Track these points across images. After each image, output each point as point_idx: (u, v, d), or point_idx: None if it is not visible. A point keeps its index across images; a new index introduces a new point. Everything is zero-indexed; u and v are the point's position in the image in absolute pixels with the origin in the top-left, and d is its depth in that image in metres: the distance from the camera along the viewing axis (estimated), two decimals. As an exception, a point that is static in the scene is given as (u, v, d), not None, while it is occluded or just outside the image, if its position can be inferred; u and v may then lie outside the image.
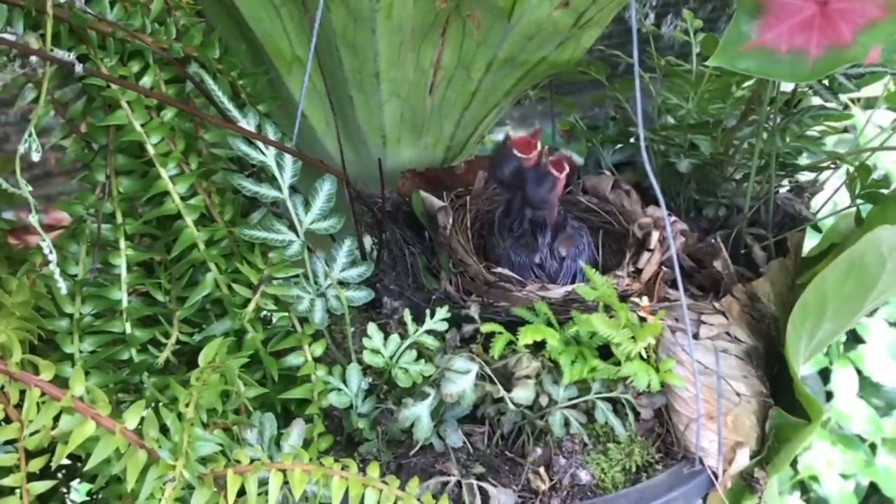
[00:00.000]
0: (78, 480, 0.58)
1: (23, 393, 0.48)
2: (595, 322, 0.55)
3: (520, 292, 0.64)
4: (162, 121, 0.58)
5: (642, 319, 0.56)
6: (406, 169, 0.77)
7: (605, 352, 0.58)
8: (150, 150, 0.57)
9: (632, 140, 0.82)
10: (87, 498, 0.58)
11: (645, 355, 0.57)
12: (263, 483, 0.49)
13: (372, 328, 0.59)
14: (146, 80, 0.59)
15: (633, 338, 0.55)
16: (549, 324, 0.59)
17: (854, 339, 1.64)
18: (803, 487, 1.59)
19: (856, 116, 1.27)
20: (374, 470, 0.51)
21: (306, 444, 0.56)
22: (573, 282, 0.69)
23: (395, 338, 0.59)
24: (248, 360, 0.57)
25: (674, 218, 0.70)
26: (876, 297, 0.62)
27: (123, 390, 0.57)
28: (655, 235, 0.67)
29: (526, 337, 0.56)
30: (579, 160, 0.86)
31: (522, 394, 0.55)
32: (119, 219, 0.58)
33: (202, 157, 0.60)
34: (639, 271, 0.67)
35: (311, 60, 0.59)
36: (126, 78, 0.57)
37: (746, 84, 0.76)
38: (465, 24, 0.69)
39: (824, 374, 1.65)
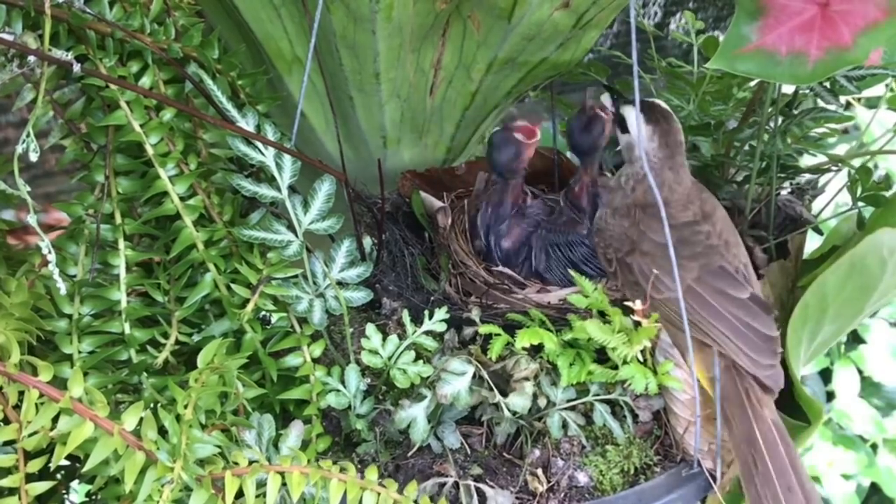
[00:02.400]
0: (77, 481, 0.58)
1: (21, 394, 0.48)
2: (590, 328, 0.55)
3: (518, 295, 0.64)
4: (161, 121, 0.58)
5: (637, 323, 0.56)
6: (406, 169, 0.77)
7: (603, 354, 0.58)
8: (149, 151, 0.57)
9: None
10: (86, 499, 0.58)
11: (641, 358, 0.57)
12: (261, 485, 0.49)
13: (370, 329, 0.59)
14: (145, 81, 0.59)
15: (628, 341, 0.55)
16: (545, 327, 0.59)
17: (855, 339, 1.64)
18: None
19: (858, 117, 1.27)
20: (372, 472, 0.51)
21: (304, 445, 0.56)
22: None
23: (393, 338, 0.59)
24: (246, 360, 0.57)
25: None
26: (877, 299, 0.62)
27: (122, 391, 0.57)
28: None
29: (523, 340, 0.56)
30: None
31: (519, 401, 0.55)
32: (118, 219, 0.58)
33: (201, 158, 0.60)
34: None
35: (310, 61, 0.59)
36: (125, 78, 0.57)
37: (747, 86, 0.76)
38: (465, 25, 0.69)
39: (825, 375, 1.64)
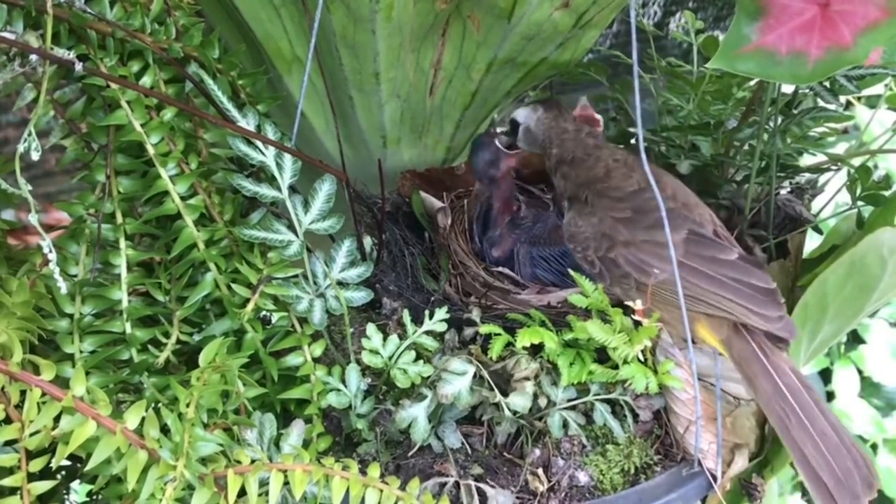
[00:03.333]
0: (78, 481, 0.58)
1: (23, 393, 0.48)
2: (591, 328, 0.55)
3: (518, 295, 0.64)
4: (162, 120, 0.58)
5: (637, 323, 0.56)
6: (406, 169, 0.77)
7: (603, 353, 0.58)
8: (150, 150, 0.57)
9: (632, 141, 0.82)
10: (88, 498, 0.58)
11: (642, 358, 0.57)
12: (264, 483, 0.49)
13: (371, 329, 0.59)
14: (146, 80, 0.59)
15: (629, 341, 0.55)
16: (546, 327, 0.59)
17: (855, 339, 1.64)
18: (804, 488, 1.59)
19: (858, 116, 1.27)
20: (374, 470, 0.51)
21: (305, 444, 0.56)
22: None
23: (393, 338, 0.59)
24: (247, 360, 0.57)
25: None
26: (877, 298, 0.62)
27: (124, 390, 0.57)
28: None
29: (524, 339, 0.56)
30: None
31: (519, 401, 0.55)
32: (119, 219, 0.58)
33: (202, 157, 0.60)
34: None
35: (310, 60, 0.59)
36: (126, 77, 0.57)
37: (747, 85, 0.76)
38: (465, 25, 0.69)
39: (825, 375, 1.64)
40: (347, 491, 0.50)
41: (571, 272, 0.62)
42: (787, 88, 0.71)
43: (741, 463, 0.58)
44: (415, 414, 0.56)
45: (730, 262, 0.57)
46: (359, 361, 0.60)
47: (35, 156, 0.52)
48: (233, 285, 0.58)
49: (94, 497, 0.57)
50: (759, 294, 0.56)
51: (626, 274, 0.59)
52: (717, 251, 0.58)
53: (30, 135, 0.52)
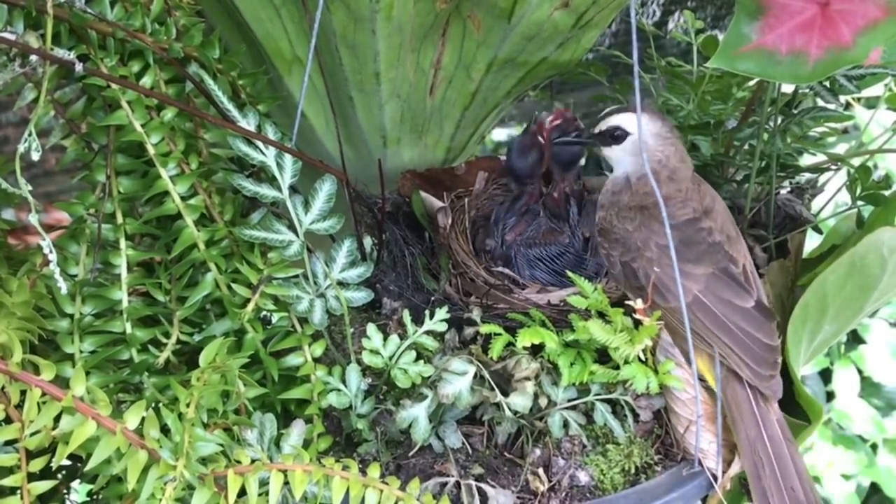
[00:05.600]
0: (78, 481, 0.58)
1: (23, 393, 0.48)
2: (592, 328, 0.55)
3: (519, 294, 0.64)
4: (162, 121, 0.58)
5: (638, 322, 0.56)
6: (406, 169, 0.77)
7: (604, 353, 0.58)
8: (151, 150, 0.57)
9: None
10: (88, 498, 0.58)
11: (643, 358, 0.57)
12: (264, 483, 0.49)
13: (371, 329, 0.59)
14: (146, 80, 0.59)
15: (630, 341, 0.55)
16: (546, 327, 0.59)
17: (855, 339, 1.64)
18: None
19: (858, 116, 1.27)
20: (374, 470, 0.51)
21: (306, 444, 0.56)
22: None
23: (394, 338, 0.59)
24: (247, 360, 0.57)
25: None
26: (877, 298, 0.62)
27: (124, 390, 0.57)
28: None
29: (524, 339, 0.56)
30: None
31: (520, 401, 0.55)
32: (119, 219, 0.58)
33: (202, 157, 0.60)
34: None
35: (310, 61, 0.59)
36: (126, 78, 0.57)
37: (747, 85, 0.76)
38: (465, 25, 0.69)
39: (825, 375, 1.65)
40: (347, 491, 0.50)
41: (569, 273, 0.62)
42: (787, 88, 0.71)
43: (741, 462, 0.58)
44: (415, 414, 0.56)
45: (743, 310, 0.58)
46: (359, 361, 0.60)
47: (35, 156, 0.52)
48: (233, 285, 0.58)
49: (95, 497, 0.57)
50: (759, 349, 0.57)
51: (641, 287, 0.59)
52: (736, 296, 0.58)
53: (30, 135, 0.52)
